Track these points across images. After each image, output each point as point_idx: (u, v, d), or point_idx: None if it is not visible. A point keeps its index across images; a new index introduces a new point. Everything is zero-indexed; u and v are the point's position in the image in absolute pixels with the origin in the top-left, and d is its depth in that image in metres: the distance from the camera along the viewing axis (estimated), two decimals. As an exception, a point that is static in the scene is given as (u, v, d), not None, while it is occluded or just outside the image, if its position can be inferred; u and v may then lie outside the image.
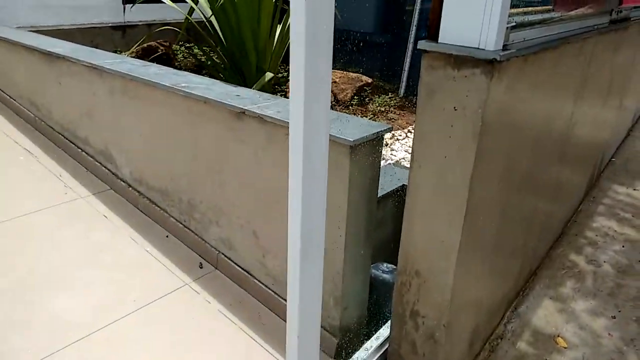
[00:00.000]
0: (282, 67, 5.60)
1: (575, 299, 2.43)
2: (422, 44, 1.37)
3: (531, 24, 1.53)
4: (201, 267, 2.57)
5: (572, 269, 2.68)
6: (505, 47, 1.30)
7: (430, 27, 1.36)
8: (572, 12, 1.95)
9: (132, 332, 2.11)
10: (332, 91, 4.19)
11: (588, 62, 2.26)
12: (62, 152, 3.84)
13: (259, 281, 2.33)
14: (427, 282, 1.61)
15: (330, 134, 1.39)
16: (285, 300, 2.16)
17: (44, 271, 2.46)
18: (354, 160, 1.74)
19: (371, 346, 1.88)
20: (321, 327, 1.38)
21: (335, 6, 1.01)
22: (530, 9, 1.60)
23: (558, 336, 2.17)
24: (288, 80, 5.09)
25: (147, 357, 1.99)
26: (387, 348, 1.87)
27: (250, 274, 2.37)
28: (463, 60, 1.30)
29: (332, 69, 1.09)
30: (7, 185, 3.32)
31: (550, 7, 1.75)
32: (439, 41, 1.34)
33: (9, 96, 4.61)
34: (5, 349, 1.97)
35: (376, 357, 1.85)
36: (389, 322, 1.86)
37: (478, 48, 1.27)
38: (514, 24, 1.35)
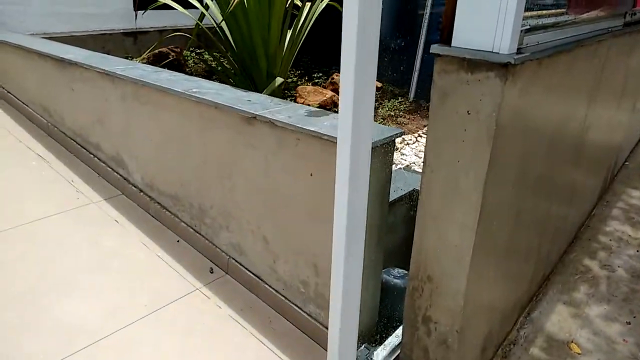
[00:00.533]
0: (292, 72, 5.62)
1: (589, 305, 2.40)
2: (435, 48, 1.36)
3: (545, 27, 1.52)
4: (212, 272, 2.57)
5: (586, 274, 2.65)
6: (519, 51, 1.29)
7: (443, 31, 1.35)
8: (586, 15, 1.93)
9: (143, 337, 2.11)
10: (341, 96, 4.16)
11: (602, 65, 2.24)
12: (74, 157, 3.87)
13: (269, 286, 2.32)
14: (440, 287, 1.60)
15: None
16: (295, 304, 2.18)
17: (54, 276, 2.47)
18: (366, 165, 1.74)
19: (384, 348, 1.87)
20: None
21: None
22: (544, 12, 1.58)
23: (572, 342, 2.14)
24: (298, 85, 5.10)
25: (158, 361, 2.00)
26: (398, 354, 1.85)
27: (261, 279, 2.36)
28: (477, 64, 1.29)
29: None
30: (19, 190, 3.35)
31: (564, 10, 1.74)
32: (452, 45, 1.33)
33: (22, 102, 4.66)
34: (17, 354, 1.98)
35: (388, 363, 1.84)
36: (401, 327, 1.85)
37: (492, 52, 1.27)
38: (528, 27, 1.34)
